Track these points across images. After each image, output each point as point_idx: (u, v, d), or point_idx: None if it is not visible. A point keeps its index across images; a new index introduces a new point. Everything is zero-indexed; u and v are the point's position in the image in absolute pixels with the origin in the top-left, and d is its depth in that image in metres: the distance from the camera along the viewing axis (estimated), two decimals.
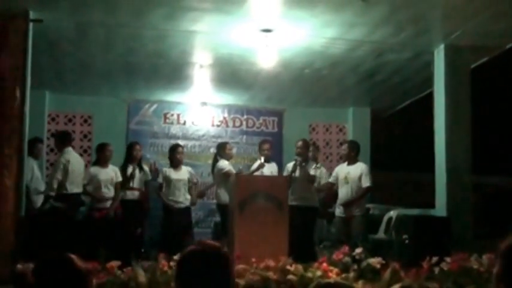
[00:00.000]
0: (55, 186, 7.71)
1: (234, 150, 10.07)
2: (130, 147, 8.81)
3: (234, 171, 8.61)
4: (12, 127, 6.38)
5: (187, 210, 8.68)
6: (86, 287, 2.52)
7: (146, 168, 8.99)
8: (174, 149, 8.83)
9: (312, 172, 8.32)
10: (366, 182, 8.01)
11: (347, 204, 7.97)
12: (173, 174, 8.61)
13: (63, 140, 8.28)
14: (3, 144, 6.21)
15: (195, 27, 7.35)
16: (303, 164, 8.20)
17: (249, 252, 5.65)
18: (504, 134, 14.23)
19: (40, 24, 6.72)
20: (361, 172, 8.06)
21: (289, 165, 8.31)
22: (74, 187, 7.91)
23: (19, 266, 5.20)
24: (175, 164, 8.70)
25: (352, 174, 8.08)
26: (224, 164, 8.78)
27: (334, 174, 8.50)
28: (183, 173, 8.70)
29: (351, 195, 8.01)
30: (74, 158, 8.11)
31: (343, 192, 8.10)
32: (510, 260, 2.35)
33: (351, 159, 8.25)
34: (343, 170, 8.24)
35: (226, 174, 8.56)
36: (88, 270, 2.59)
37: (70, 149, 8.22)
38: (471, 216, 7.68)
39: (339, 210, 8.10)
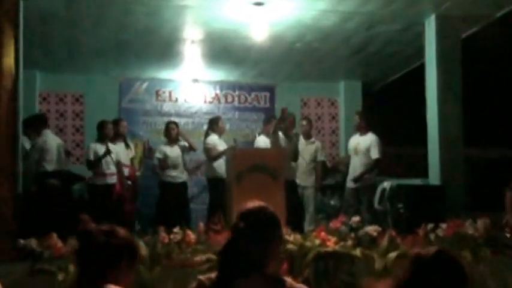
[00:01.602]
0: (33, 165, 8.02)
1: (227, 126, 10.12)
2: (114, 124, 8.80)
3: (218, 147, 8.63)
4: (6, 107, 6.35)
5: (183, 185, 8.78)
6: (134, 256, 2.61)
7: (131, 145, 9.10)
8: (166, 126, 8.99)
9: (302, 146, 8.43)
10: (374, 154, 8.09)
11: (357, 179, 8.06)
12: (169, 150, 8.70)
13: (44, 122, 8.51)
14: None
15: (186, 2, 7.34)
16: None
17: None
18: (496, 105, 14.28)
19: (30, 1, 6.66)
20: (370, 143, 8.13)
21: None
22: (51, 165, 8.13)
23: (21, 241, 5.25)
24: (170, 140, 8.79)
25: (361, 145, 8.17)
26: (210, 139, 8.78)
27: (348, 146, 8.64)
28: (177, 149, 8.77)
29: (360, 165, 8.11)
30: (50, 139, 8.34)
31: (353, 163, 8.22)
32: (417, 269, 2.32)
33: (362, 130, 8.32)
34: (354, 141, 8.34)
35: (207, 150, 8.67)
36: (132, 240, 2.66)
37: (48, 131, 8.46)
38: (464, 184, 7.77)
39: (351, 182, 8.20)
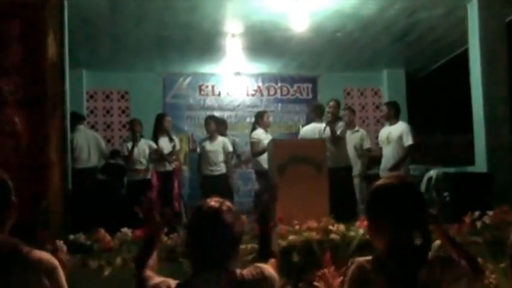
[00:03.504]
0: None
1: (271, 119, 10.17)
2: (159, 119, 8.96)
3: (264, 141, 8.60)
4: (54, 106, 6.52)
5: (222, 177, 8.80)
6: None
7: (176, 139, 9.19)
8: (205, 121, 9.12)
9: (352, 137, 8.41)
10: (407, 141, 8.04)
11: (393, 168, 7.99)
12: (208, 145, 8.81)
13: (76, 119, 8.43)
14: (47, 122, 6.35)
15: None
16: (331, 124, 8.16)
17: (291, 215, 5.68)
18: None
19: (74, 1, 6.82)
20: (402, 131, 8.09)
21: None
22: (80, 163, 8.28)
23: (71, 236, 5.40)
24: (209, 134, 8.90)
25: (393, 134, 8.13)
26: (256, 133, 8.85)
27: (379, 138, 8.59)
28: (218, 143, 8.84)
29: (393, 154, 8.07)
30: (80, 136, 8.45)
31: (386, 153, 8.19)
32: None
33: (392, 120, 8.29)
34: (385, 131, 8.31)
35: (251, 144, 8.78)
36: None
37: (80, 127, 8.54)
38: None
39: (384, 172, 8.13)
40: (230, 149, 8.95)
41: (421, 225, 2.33)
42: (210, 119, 9.13)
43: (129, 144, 8.58)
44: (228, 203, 2.50)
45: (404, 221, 2.30)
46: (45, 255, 2.44)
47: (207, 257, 2.36)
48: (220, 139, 8.93)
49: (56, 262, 2.45)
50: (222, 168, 8.81)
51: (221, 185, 8.63)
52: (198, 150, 8.93)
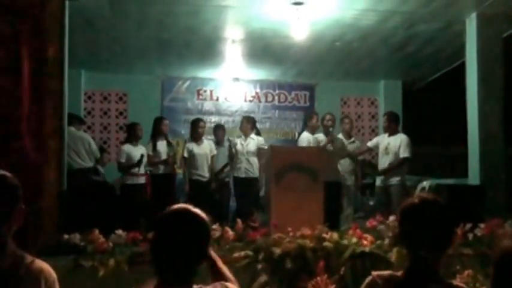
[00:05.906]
0: None
1: (267, 125, 10.24)
2: (157, 122, 8.96)
3: (234, 149, 8.91)
4: (52, 105, 6.53)
5: (210, 183, 8.82)
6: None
7: (173, 143, 9.26)
8: (195, 124, 8.98)
9: (349, 147, 8.49)
10: (403, 153, 8.07)
11: (382, 172, 8.09)
12: (196, 148, 8.76)
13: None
14: (45, 122, 6.37)
15: (227, 2, 7.42)
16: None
17: (285, 221, 5.71)
18: None
19: (76, 2, 6.84)
20: (400, 143, 8.11)
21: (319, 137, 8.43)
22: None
23: (65, 236, 5.42)
24: (196, 138, 8.83)
25: (392, 145, 8.16)
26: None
27: (374, 141, 8.68)
28: (205, 146, 8.84)
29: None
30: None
31: (383, 163, 8.21)
32: (502, 270, 2.21)
33: (391, 130, 8.31)
34: (384, 141, 8.32)
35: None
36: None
37: (70, 128, 7.93)
38: (505, 185, 7.67)
39: (379, 181, 8.20)
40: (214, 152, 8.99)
41: (441, 249, 2.26)
42: (202, 121, 9.10)
43: (131, 148, 8.54)
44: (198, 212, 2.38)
45: (421, 243, 2.24)
46: (45, 266, 2.45)
47: (174, 270, 2.20)
48: (206, 142, 8.94)
49: (53, 273, 2.46)
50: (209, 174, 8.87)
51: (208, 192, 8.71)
52: (185, 153, 8.84)
